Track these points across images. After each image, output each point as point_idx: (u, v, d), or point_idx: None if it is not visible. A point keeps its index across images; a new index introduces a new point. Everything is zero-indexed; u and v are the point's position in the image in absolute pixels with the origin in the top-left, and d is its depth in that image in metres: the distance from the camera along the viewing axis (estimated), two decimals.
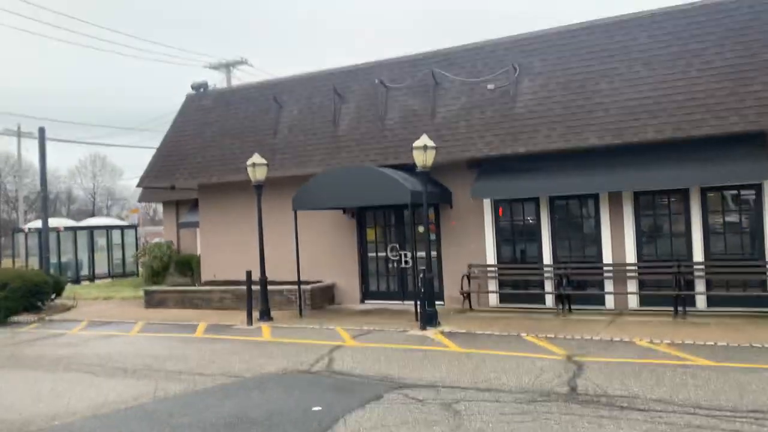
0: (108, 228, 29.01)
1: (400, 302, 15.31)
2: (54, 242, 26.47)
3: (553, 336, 10.75)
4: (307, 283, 15.65)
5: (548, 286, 13.63)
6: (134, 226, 30.91)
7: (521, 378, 8.15)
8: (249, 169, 13.78)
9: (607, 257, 13.05)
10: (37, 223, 28.72)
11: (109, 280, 27.70)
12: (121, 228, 29.75)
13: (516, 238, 14.30)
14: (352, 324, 12.87)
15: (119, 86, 78.73)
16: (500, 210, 14.28)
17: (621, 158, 12.47)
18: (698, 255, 12.33)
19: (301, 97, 16.17)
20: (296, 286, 14.62)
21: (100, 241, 28.47)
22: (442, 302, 14.48)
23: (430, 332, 11.52)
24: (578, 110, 12.55)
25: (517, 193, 13.26)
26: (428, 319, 11.87)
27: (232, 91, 17.50)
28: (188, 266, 22.44)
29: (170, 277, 20.73)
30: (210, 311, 15.93)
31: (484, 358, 9.40)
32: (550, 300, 13.62)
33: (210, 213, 17.86)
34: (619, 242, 12.94)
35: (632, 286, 12.86)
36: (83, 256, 27.76)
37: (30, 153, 60.32)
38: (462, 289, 13.82)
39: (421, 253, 14.05)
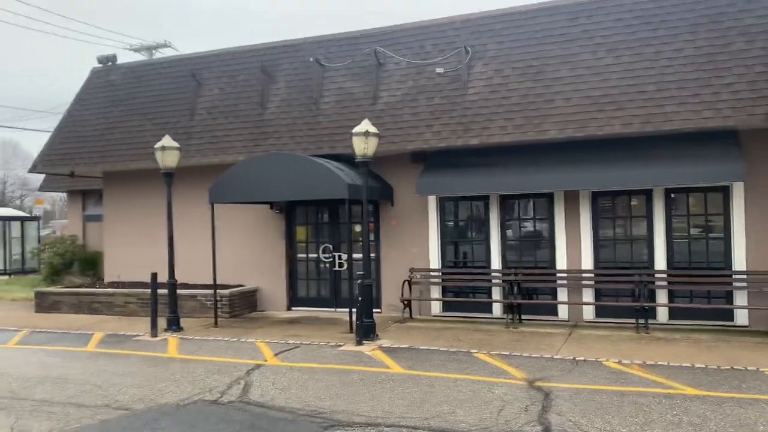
0: (5, 219, 25.89)
1: (331, 310, 13.64)
2: None
3: (507, 353, 9.36)
4: (226, 287, 13.76)
5: (496, 293, 12.29)
6: (37, 218, 27.81)
7: (481, 412, 6.66)
8: (157, 154, 11.76)
9: (561, 263, 11.83)
10: None
11: (7, 277, 24.72)
12: (21, 219, 26.66)
13: (463, 241, 12.90)
14: (276, 336, 11.10)
15: (29, 67, 73.15)
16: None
17: (581, 154, 11.26)
18: (660, 262, 11.27)
19: (223, 75, 14.23)
20: (212, 291, 12.70)
21: None
22: (379, 310, 12.93)
23: (368, 348, 9.92)
24: (537, 99, 11.25)
25: (467, 190, 11.83)
26: (365, 332, 10.26)
27: (144, 66, 15.34)
28: (94, 264, 20.00)
29: (68, 276, 18.23)
30: (111, 318, 13.77)
31: (432, 383, 7.87)
32: (498, 309, 12.29)
33: (115, 205, 15.63)
34: (574, 247, 11.74)
35: (588, 295, 11.69)
36: None
37: None
38: (402, 296, 12.29)
39: (358, 255, 12.45)
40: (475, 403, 7.00)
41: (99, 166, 14.72)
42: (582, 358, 8.98)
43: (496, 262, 12.30)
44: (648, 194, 11.43)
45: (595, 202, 11.75)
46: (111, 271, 15.67)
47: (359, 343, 10.07)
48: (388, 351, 9.70)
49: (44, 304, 14.88)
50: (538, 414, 6.59)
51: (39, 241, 25.61)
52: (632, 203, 11.74)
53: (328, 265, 13.77)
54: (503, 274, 12.08)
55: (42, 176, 24.20)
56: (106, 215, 15.86)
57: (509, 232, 12.44)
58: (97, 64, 15.84)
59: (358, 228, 13.46)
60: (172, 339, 11.16)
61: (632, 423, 6.22)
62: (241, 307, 13.65)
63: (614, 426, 6.16)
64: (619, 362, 8.72)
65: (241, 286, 14.02)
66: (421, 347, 9.90)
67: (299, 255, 14.10)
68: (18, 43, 73.17)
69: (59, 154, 15.18)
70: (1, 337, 11.75)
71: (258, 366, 8.98)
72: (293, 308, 14.01)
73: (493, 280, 12.25)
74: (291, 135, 13.00)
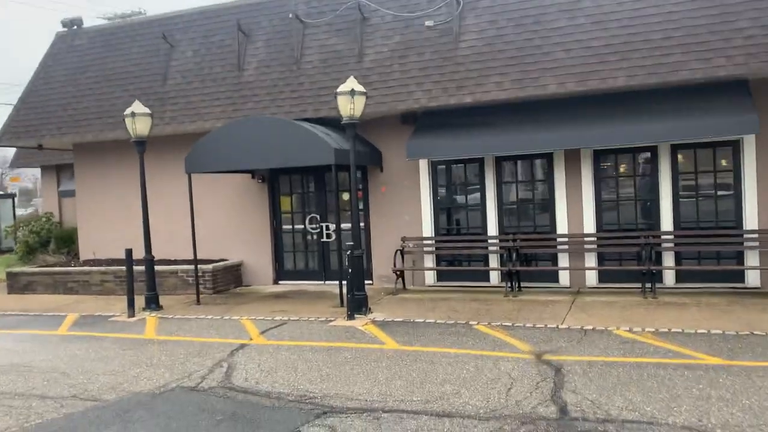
0: None
1: (320, 282, 12.98)
2: None
3: (509, 324, 8.76)
4: (209, 261, 13.03)
5: (493, 261, 11.67)
6: (12, 195, 26.74)
7: (488, 393, 6.04)
8: (127, 121, 10.89)
9: (562, 227, 11.20)
10: None
11: None
12: None
13: (457, 207, 12.21)
14: (262, 313, 10.43)
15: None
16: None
17: (583, 110, 10.55)
18: (667, 223, 10.67)
19: (197, 36, 13.28)
20: (193, 266, 11.96)
21: None
22: (370, 281, 12.28)
23: (360, 322, 9.27)
24: (535, 51, 10.47)
25: (460, 152, 11.10)
26: (357, 305, 9.60)
27: (112, 29, 14.33)
28: (71, 242, 19.15)
29: (41, 255, 17.39)
30: (87, 297, 13.03)
31: (432, 359, 7.25)
32: (495, 277, 11.68)
33: (88, 179, 14.75)
34: (576, 210, 11.10)
35: (591, 260, 11.08)
36: None
37: None
38: (395, 266, 11.63)
39: (346, 225, 11.76)
40: (480, 381, 6.38)
41: (68, 137, 13.81)
42: (590, 327, 8.39)
43: (492, 228, 11.64)
44: (653, 151, 10.76)
45: (597, 162, 11.08)
46: (86, 249, 14.87)
47: (351, 317, 9.42)
48: (381, 325, 9.06)
49: (17, 285, 14.09)
50: (551, 392, 5.98)
51: (15, 220, 24.67)
52: (637, 161, 11.08)
53: (315, 236, 13.06)
54: (501, 241, 11.44)
55: (13, 152, 23.17)
56: (78, 190, 14.99)
57: (506, 197, 11.75)
58: (61, 28, 14.80)
59: (345, 196, 12.73)
60: (151, 319, 10.45)
61: (657, 400, 5.63)
62: (224, 282, 12.94)
63: (637, 404, 5.57)
64: (630, 330, 8.14)
65: (225, 260, 13.30)
66: (417, 320, 9.27)
67: (285, 226, 13.37)
68: None
69: (24, 126, 14.22)
70: None
71: (242, 346, 8.32)
72: (280, 282, 13.32)
73: (490, 247, 11.61)
74: (272, 98, 12.15)
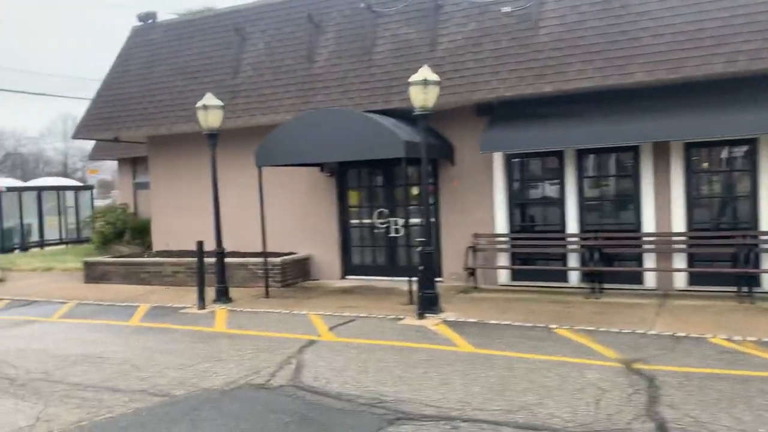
0: (59, 189, 25.89)
1: (388, 279, 12.66)
2: None
3: (592, 328, 8.18)
4: (277, 255, 12.94)
5: (573, 260, 11.05)
6: (90, 187, 27.76)
7: (575, 404, 5.56)
8: (199, 114, 10.87)
9: (649, 225, 10.47)
10: None
11: (63, 246, 24.81)
12: (75, 189, 26.63)
13: (533, 202, 11.64)
14: (330, 308, 10.21)
15: (77, 37, 73.97)
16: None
17: (673, 99, 9.80)
18: (766, 223, 9.78)
19: (268, 28, 13.18)
20: (263, 259, 11.89)
21: (51, 203, 25.42)
22: (440, 279, 11.89)
23: (431, 321, 8.90)
24: (620, 38, 9.79)
25: (539, 145, 10.52)
26: (428, 303, 9.23)
27: (185, 23, 14.45)
28: (145, 233, 19.59)
29: (115, 246, 17.84)
30: (159, 288, 13.19)
31: (510, 364, 6.80)
32: (574, 277, 11.06)
33: (161, 171, 14.96)
34: (664, 206, 10.35)
35: (680, 261, 10.32)
36: (32, 221, 24.74)
37: None
38: (466, 263, 11.18)
39: (415, 220, 11.40)
40: (565, 390, 5.90)
41: (143, 130, 14.02)
42: (683, 334, 7.73)
43: (572, 226, 11.02)
44: (752, 144, 9.89)
45: (688, 155, 10.29)
46: (159, 240, 15.10)
47: (421, 316, 9.06)
48: (454, 326, 8.66)
49: (93, 274, 14.44)
50: (645, 406, 5.45)
51: (92, 211, 25.56)
52: (733, 155, 10.22)
53: (383, 231, 12.76)
54: (582, 239, 10.81)
55: (92, 144, 23.97)
56: (152, 182, 15.23)
57: (587, 192, 11.10)
58: (137, 23, 15.04)
59: (415, 191, 12.37)
60: (221, 311, 10.41)
61: None
62: (293, 275, 12.83)
63: (747, 424, 4.97)
64: (729, 339, 7.43)
65: (293, 253, 13.18)
66: (491, 321, 8.81)
67: (353, 221, 13.13)
68: (61, 22, 74.06)
69: (101, 119, 14.54)
70: (46, 310, 11.27)
71: (311, 342, 8.09)
72: (347, 277, 13.11)
73: (569, 246, 11.00)
74: (342, 89, 11.90)
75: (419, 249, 9.10)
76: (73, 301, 12.06)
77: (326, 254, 13.13)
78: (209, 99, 10.90)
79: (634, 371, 6.43)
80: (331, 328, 8.81)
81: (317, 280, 13.18)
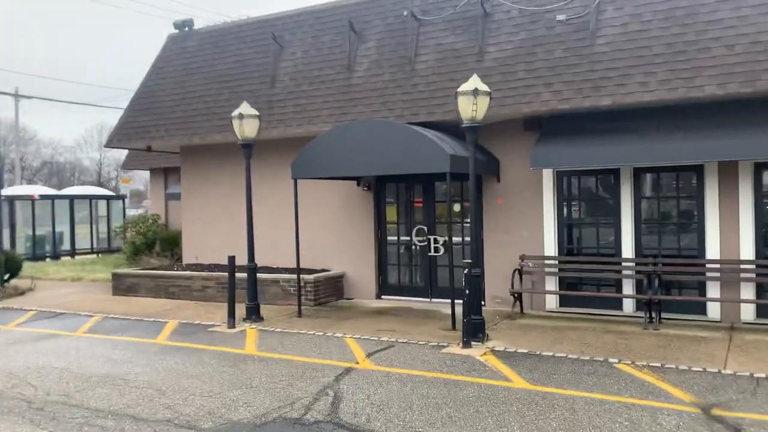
0: (91, 198, 25.82)
1: (426, 300, 12.02)
2: (29, 212, 23.44)
3: (657, 364, 7.41)
4: (311, 271, 12.40)
5: (628, 287, 10.27)
6: (122, 197, 27.68)
7: None
8: (234, 123, 10.42)
9: (713, 251, 9.66)
10: (13, 189, 25.71)
11: (94, 256, 24.68)
12: (107, 198, 26.54)
13: (585, 223, 10.90)
14: (367, 331, 9.59)
15: (116, 48, 75.15)
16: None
17: (742, 115, 9.03)
18: None
19: (306, 36, 12.74)
20: (296, 276, 11.35)
21: (83, 212, 25.36)
22: (482, 302, 11.20)
23: (478, 351, 8.21)
24: (687, 48, 9.07)
25: (595, 162, 9.79)
26: (473, 331, 8.55)
27: (222, 30, 14.09)
28: (175, 244, 19.27)
29: (145, 257, 17.49)
30: (188, 303, 12.72)
31: (572, 405, 6.08)
32: (629, 305, 10.27)
33: (193, 182, 14.58)
34: (730, 231, 9.54)
35: (748, 291, 9.48)
36: (64, 229, 24.68)
37: (31, 119, 57.55)
38: (513, 287, 10.48)
39: (457, 239, 10.76)
40: None
41: (176, 139, 13.64)
42: (762, 375, 6.92)
43: (627, 250, 10.25)
44: None
45: (759, 176, 9.48)
46: (189, 253, 14.68)
47: (467, 344, 8.37)
48: (503, 357, 7.95)
49: (121, 286, 14.06)
50: None
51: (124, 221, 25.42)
52: None
53: (421, 249, 12.13)
54: (638, 264, 10.03)
55: (125, 153, 23.86)
56: (184, 193, 14.85)
57: (645, 213, 10.33)
58: (173, 30, 14.75)
59: (456, 207, 11.73)
60: (251, 331, 9.86)
61: None
62: (326, 294, 12.25)
63: None
64: None
65: (327, 271, 12.62)
66: (544, 353, 8.08)
67: (389, 238, 12.53)
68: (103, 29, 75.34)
69: (134, 128, 14.23)
70: (71, 324, 10.85)
71: (348, 370, 7.47)
72: (383, 297, 12.48)
73: (624, 271, 10.23)
74: (382, 101, 11.36)
75: (465, 271, 8.44)
76: (100, 314, 11.65)
77: (361, 272, 12.54)
78: (245, 108, 10.44)
79: (716, 419, 5.67)
80: (368, 355, 8.18)
81: (351, 299, 12.58)
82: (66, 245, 24.47)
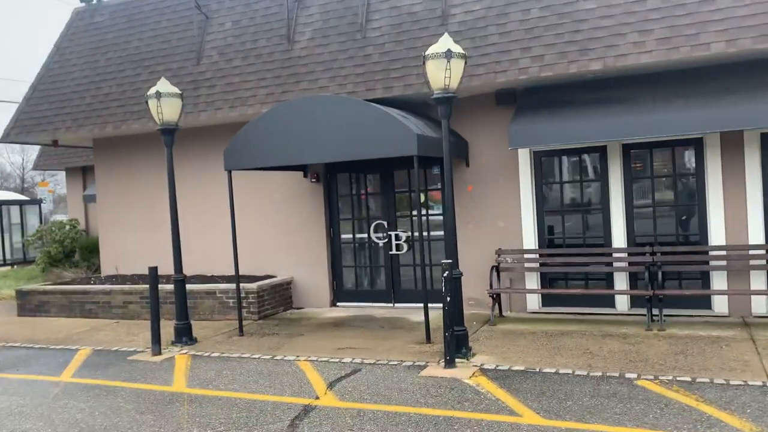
0: (1, 203, 23.02)
1: (389, 305, 10.46)
2: None
3: (687, 378, 6.07)
4: (253, 279, 10.65)
5: (620, 281, 8.99)
6: (38, 201, 24.90)
7: None
8: (151, 104, 8.53)
9: (718, 236, 8.47)
10: None
11: (7, 268, 21.98)
12: (20, 203, 23.78)
13: (569, 210, 9.54)
14: (326, 350, 7.94)
15: (37, 37, 70.22)
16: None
17: (750, 78, 7.82)
18: None
19: (237, 4, 10.90)
20: (234, 285, 9.58)
21: None
22: None
23: (465, 372, 6.69)
24: (688, 1, 7.78)
25: (580, 137, 8.40)
26: (455, 345, 7.02)
27: (137, 1, 12.06)
28: (97, 253, 17.04)
29: (61, 269, 15.26)
30: (107, 322, 10.75)
31: None
32: (623, 302, 9.00)
33: (110, 180, 12.52)
34: (737, 213, 8.36)
35: (759, 280, 8.32)
36: None
37: None
38: (491, 287, 9.02)
39: (419, 234, 9.25)
40: None
41: (85, 129, 11.56)
42: None
43: (619, 238, 8.96)
44: None
45: (766, 149, 8.31)
46: (108, 262, 12.64)
47: (450, 363, 6.84)
48: (498, 378, 6.46)
49: (28, 305, 11.91)
50: None
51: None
52: None
53: (382, 247, 10.55)
54: (632, 255, 8.74)
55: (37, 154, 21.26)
56: (99, 193, 12.77)
57: (637, 196, 9.05)
58: (79, 3, 12.61)
59: (421, 198, 10.19)
60: (181, 358, 8.04)
61: None
62: (272, 304, 10.51)
63: None
64: None
65: (272, 277, 10.88)
66: (545, 370, 6.63)
67: (344, 235, 10.89)
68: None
69: (35, 118, 12.05)
70: None
71: (307, 410, 5.82)
72: (338, 304, 10.84)
73: (616, 263, 8.92)
74: (330, 75, 9.69)
75: (445, 273, 6.88)
76: None
77: (312, 277, 10.86)
78: (164, 85, 8.56)
79: None
80: (330, 385, 6.54)
81: (301, 308, 10.89)
82: None
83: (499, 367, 6.78)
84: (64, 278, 13.62)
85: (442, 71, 7.01)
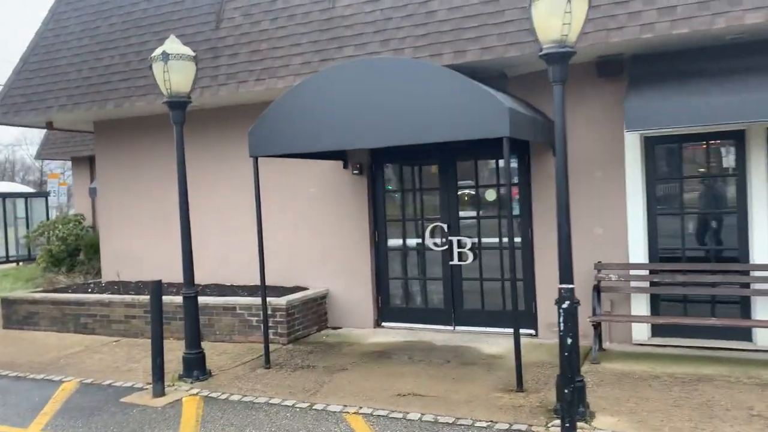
0: (5, 196, 21.37)
1: (448, 329, 8.44)
2: None
3: None
4: (280, 291, 8.71)
5: (763, 307, 6.86)
6: (45, 194, 23.20)
7: None
8: (156, 69, 6.57)
9: None
10: None
11: (12, 265, 20.35)
12: (26, 196, 22.13)
13: (691, 213, 7.40)
14: (379, 395, 5.94)
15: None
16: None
17: None
18: None
19: None
20: (260, 300, 7.63)
21: None
22: (532, 330, 7.74)
23: None
24: None
25: (711, 118, 6.27)
26: (569, 401, 4.96)
27: None
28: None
29: (50, 274, 13.44)
30: (104, 340, 8.89)
31: None
32: (764, 336, 6.87)
33: (112, 169, 10.64)
34: None
35: None
36: None
37: None
38: (594, 313, 6.94)
39: (491, 240, 7.28)
40: None
41: (82, 108, 9.65)
42: None
43: (762, 251, 6.83)
44: None
45: None
46: (109, 267, 10.76)
47: (569, 430, 4.78)
48: None
49: (15, 316, 10.07)
50: None
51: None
52: None
53: (440, 256, 8.51)
54: None
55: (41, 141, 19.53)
56: (100, 185, 10.90)
57: None
58: None
59: (491, 196, 8.19)
60: (190, 402, 6.08)
61: None
62: (304, 323, 8.53)
63: None
64: None
65: (303, 289, 8.92)
66: None
67: (391, 240, 8.87)
68: None
69: (26, 95, 10.18)
70: None
71: None
72: (384, 324, 8.84)
73: (757, 284, 6.80)
74: (383, 38, 7.67)
75: (565, 305, 4.81)
76: None
77: (352, 290, 8.86)
78: (173, 45, 6.61)
79: None
80: None
81: (339, 328, 8.90)
82: None
83: None
84: (59, 284, 11.76)
85: (559, 16, 4.95)
